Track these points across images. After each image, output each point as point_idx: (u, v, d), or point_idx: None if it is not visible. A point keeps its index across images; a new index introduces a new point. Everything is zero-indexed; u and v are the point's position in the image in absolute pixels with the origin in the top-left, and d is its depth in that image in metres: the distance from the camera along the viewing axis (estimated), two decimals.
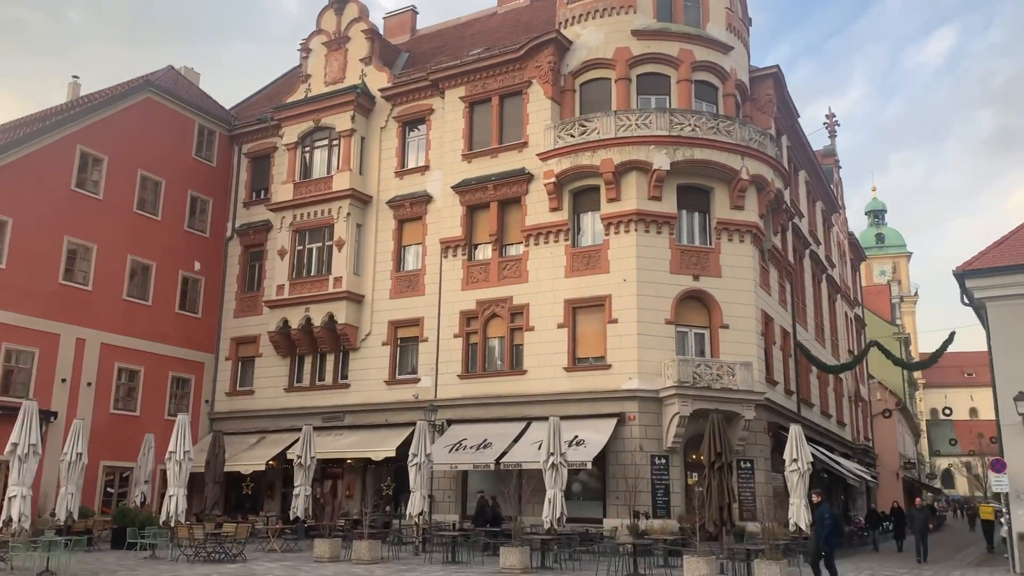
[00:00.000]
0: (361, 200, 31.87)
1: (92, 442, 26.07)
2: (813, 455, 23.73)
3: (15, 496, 19.73)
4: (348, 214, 31.52)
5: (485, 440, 26.09)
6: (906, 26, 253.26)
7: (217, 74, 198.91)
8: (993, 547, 28.60)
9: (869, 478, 41.38)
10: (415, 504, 23.67)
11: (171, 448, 24.17)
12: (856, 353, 44.58)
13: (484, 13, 38.13)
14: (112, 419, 30.22)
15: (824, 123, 50.76)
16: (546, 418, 22.74)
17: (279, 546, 24.66)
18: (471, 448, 26.06)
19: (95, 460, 27.85)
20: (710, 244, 27.29)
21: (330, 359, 31.82)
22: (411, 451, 24.07)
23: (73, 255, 30.01)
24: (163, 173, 33.43)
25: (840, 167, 51.16)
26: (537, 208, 28.22)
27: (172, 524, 23.29)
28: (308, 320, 31.31)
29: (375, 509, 27.60)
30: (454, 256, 29.56)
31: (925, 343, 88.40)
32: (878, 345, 31.24)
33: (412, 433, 25.07)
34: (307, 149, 33.63)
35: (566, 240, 27.65)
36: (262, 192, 35.42)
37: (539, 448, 22.80)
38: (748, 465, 25.67)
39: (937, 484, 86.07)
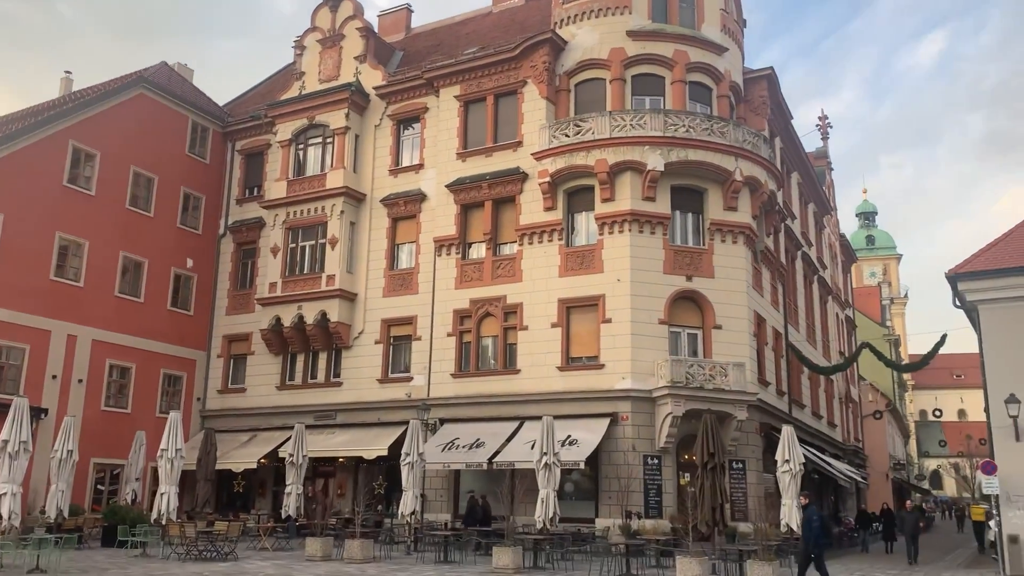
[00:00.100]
0: (355, 198, 31.81)
1: (83, 439, 26.00)
2: (805, 456, 23.81)
3: (5, 494, 19.66)
4: (342, 212, 31.46)
5: (478, 439, 26.08)
6: (898, 29, 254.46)
7: (210, 71, 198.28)
8: (984, 548, 28.75)
9: (860, 479, 41.55)
10: (407, 503, 23.66)
11: (163, 446, 24.06)
12: (847, 354, 44.76)
13: (479, 12, 38.10)
14: (103, 416, 30.10)
15: (817, 125, 50.95)
16: (539, 417, 22.73)
17: (271, 545, 24.60)
18: (464, 447, 26.05)
19: (86, 457, 27.71)
20: (703, 245, 27.35)
21: (322, 357, 31.76)
22: (404, 450, 24.06)
23: (65, 251, 29.86)
24: (156, 169, 33.30)
25: (832, 169, 51.37)
26: (531, 207, 28.22)
27: (163, 522, 23.20)
28: (301, 318, 31.24)
29: (367, 508, 27.55)
30: (448, 255, 29.54)
31: (914, 345, 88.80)
32: (870, 347, 31.36)
33: (404, 432, 25.06)
34: (301, 146, 33.54)
35: (560, 240, 27.67)
36: (255, 189, 35.32)
37: (532, 448, 22.81)
38: (740, 466, 25.74)
39: (926, 485, 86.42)
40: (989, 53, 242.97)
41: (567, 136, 27.39)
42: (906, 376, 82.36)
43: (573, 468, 24.20)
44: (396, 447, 26.13)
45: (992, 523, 27.07)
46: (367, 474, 29.70)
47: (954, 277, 21.41)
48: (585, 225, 27.75)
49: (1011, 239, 22.27)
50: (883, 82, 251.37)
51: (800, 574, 16.35)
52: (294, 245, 32.40)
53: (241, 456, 30.32)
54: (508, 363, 27.70)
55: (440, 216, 29.94)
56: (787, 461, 21.90)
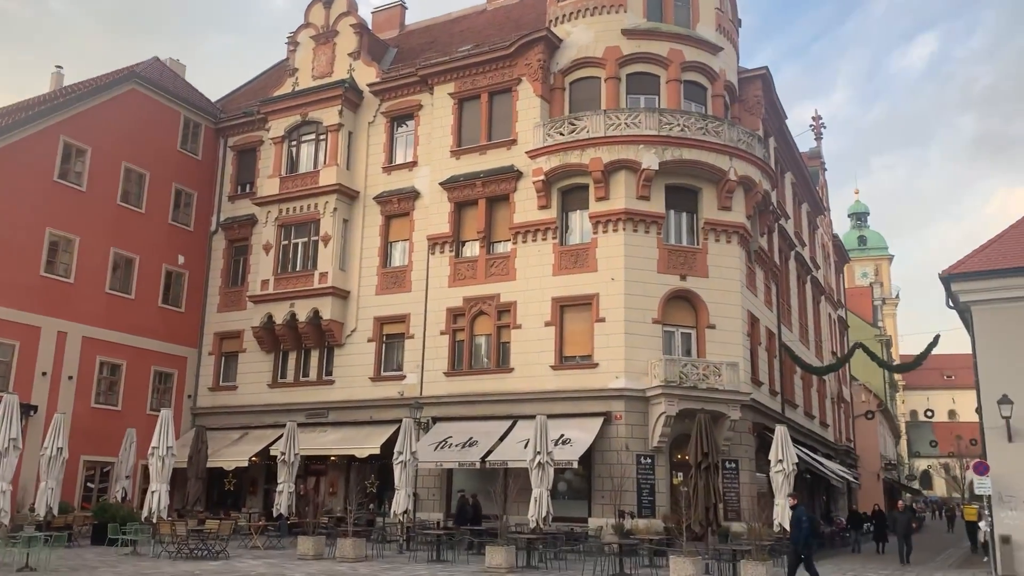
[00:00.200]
0: (348, 195, 31.68)
1: (73, 436, 25.83)
2: (798, 456, 23.83)
3: None
4: (335, 209, 31.33)
5: (471, 438, 26.00)
6: (890, 31, 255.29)
7: (203, 67, 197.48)
8: (976, 548, 28.83)
9: (852, 479, 41.64)
10: (400, 502, 23.58)
11: (154, 443, 23.90)
12: (839, 355, 44.86)
13: (474, 10, 38.01)
14: (93, 413, 29.90)
15: (810, 125, 51.03)
16: (532, 416, 22.70)
17: (262, 543, 24.47)
18: (457, 446, 25.96)
19: (76, 455, 27.48)
20: (697, 244, 27.33)
21: (315, 355, 31.62)
22: (396, 448, 23.97)
23: (55, 247, 29.65)
24: (147, 165, 33.09)
25: (826, 169, 51.44)
26: (525, 206, 28.15)
27: (154, 520, 23.04)
28: (293, 315, 31.10)
29: (359, 507, 27.44)
30: (441, 253, 29.45)
31: (906, 345, 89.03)
32: (863, 347, 31.44)
33: (397, 430, 24.98)
34: (294, 143, 33.39)
35: (554, 238, 27.60)
36: (247, 186, 35.14)
37: (525, 447, 22.75)
38: (733, 465, 25.73)
39: (916, 485, 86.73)
40: (980, 55, 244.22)
41: (561, 134, 27.32)
42: (897, 376, 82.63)
43: (566, 467, 24.14)
44: (388, 446, 26.04)
45: (983, 523, 27.20)
46: (359, 473, 29.57)
47: (948, 278, 21.44)
48: (579, 224, 27.69)
49: (1004, 240, 22.32)
50: (875, 84, 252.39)
51: (790, 575, 16.31)
52: (286, 242, 32.25)
53: (232, 454, 30.16)
54: (501, 362, 27.63)
55: (434, 214, 29.84)
56: (780, 461, 21.92)
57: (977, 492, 21.67)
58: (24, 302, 28.23)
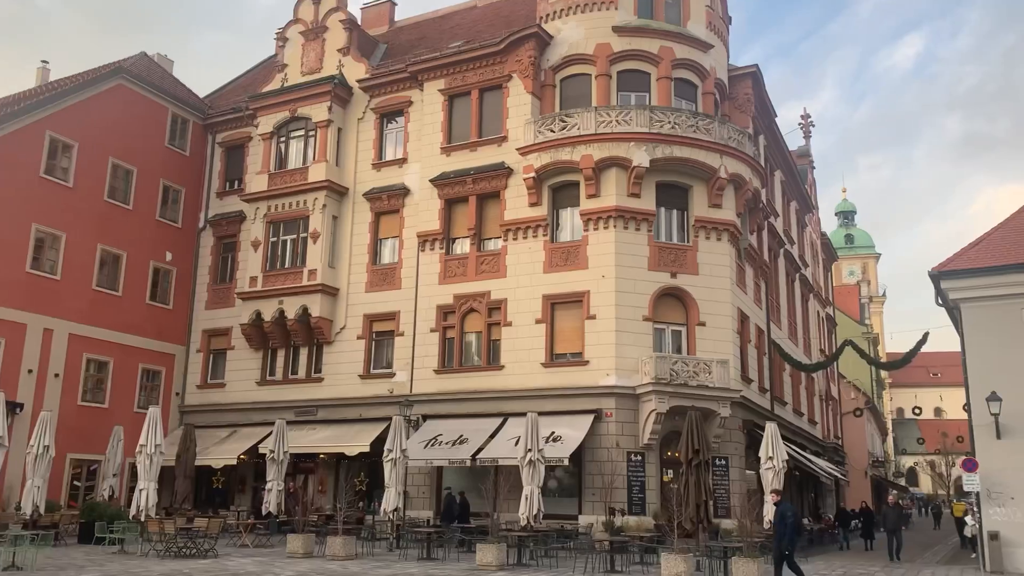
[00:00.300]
0: (337, 192, 31.53)
1: (59, 434, 25.56)
2: (787, 453, 23.88)
3: None
4: (324, 206, 31.18)
5: (461, 436, 25.92)
6: (876, 31, 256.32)
7: (191, 63, 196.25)
8: (965, 543, 29.01)
9: (840, 476, 41.82)
10: (390, 500, 23.50)
11: (142, 441, 23.72)
12: (828, 352, 45.04)
13: (464, 6, 37.88)
14: (80, 411, 29.66)
15: (799, 124, 51.17)
16: (523, 414, 22.66)
17: (251, 541, 24.35)
18: (447, 444, 25.88)
19: (62, 453, 27.18)
20: (688, 242, 27.34)
21: (303, 352, 31.47)
22: (386, 446, 23.90)
23: (41, 243, 29.37)
24: (135, 161, 32.83)
25: (814, 167, 51.61)
26: (516, 203, 28.09)
27: (143, 518, 22.87)
28: (281, 313, 30.92)
29: (348, 505, 27.33)
30: (431, 250, 29.36)
31: (892, 343, 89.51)
32: (852, 344, 31.50)
33: (386, 428, 24.90)
34: (283, 139, 33.20)
35: (545, 235, 27.56)
36: (236, 182, 34.91)
37: (516, 444, 22.72)
38: (723, 463, 25.76)
39: (903, 482, 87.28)
40: (965, 56, 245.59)
41: (552, 131, 27.28)
42: (884, 374, 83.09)
43: (557, 465, 24.12)
44: (378, 443, 25.94)
45: (969, 519, 27.39)
46: (348, 471, 29.45)
47: (937, 275, 21.55)
48: (570, 221, 27.65)
49: (993, 238, 22.45)
50: (861, 83, 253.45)
51: (777, 572, 16.26)
52: (275, 239, 32.08)
53: (221, 452, 29.99)
54: (492, 359, 27.56)
55: (424, 211, 29.74)
56: (771, 458, 21.96)
57: (966, 489, 21.79)
58: (10, 299, 27.95)
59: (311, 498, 29.27)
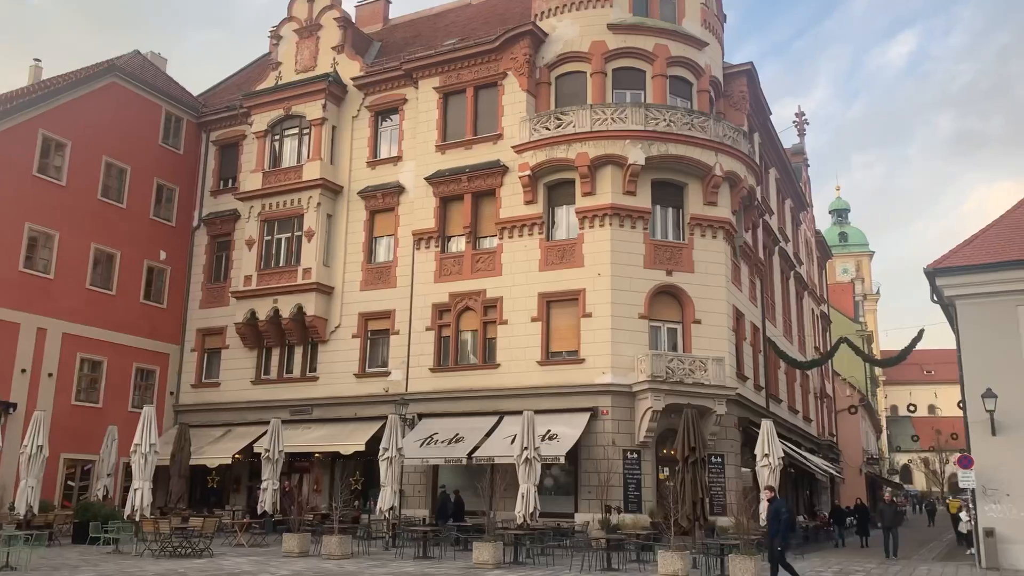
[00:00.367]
0: (332, 190, 31.45)
1: (53, 434, 25.41)
2: (783, 450, 23.89)
3: None
4: (318, 204, 31.09)
5: (457, 434, 25.88)
6: (869, 29, 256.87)
7: (185, 62, 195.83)
8: (961, 540, 29.07)
9: (836, 473, 41.87)
10: (386, 499, 23.46)
11: (136, 440, 23.55)
12: (822, 350, 45.09)
13: (458, 3, 37.76)
14: (74, 411, 29.53)
15: (793, 121, 51.19)
16: (518, 412, 22.64)
17: (246, 541, 24.26)
18: (442, 442, 25.84)
19: (56, 453, 27.09)
20: (683, 240, 27.33)
21: (298, 351, 31.38)
22: (382, 445, 23.85)
23: (34, 242, 29.23)
24: (128, 160, 32.69)
25: (809, 165, 51.68)
26: (511, 201, 28.04)
27: (137, 518, 22.76)
28: (276, 312, 30.84)
29: (344, 504, 27.27)
30: (427, 248, 29.30)
31: (886, 341, 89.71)
32: (847, 342, 31.57)
33: (382, 427, 24.85)
34: (277, 138, 33.11)
35: (540, 233, 27.53)
36: (230, 181, 34.79)
37: (512, 442, 22.69)
38: (719, 460, 25.77)
39: (897, 480, 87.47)
40: (959, 53, 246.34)
41: (548, 129, 27.24)
42: (878, 372, 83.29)
43: (553, 463, 24.09)
44: (373, 442, 25.89)
45: (963, 515, 27.45)
46: (344, 470, 29.40)
47: (932, 272, 21.57)
48: (565, 219, 27.63)
49: (988, 235, 22.48)
50: (855, 81, 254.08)
51: (772, 571, 16.24)
52: (269, 237, 31.99)
53: (215, 451, 29.89)
54: (487, 358, 27.53)
55: (419, 209, 29.68)
56: (767, 455, 22.00)
57: (961, 486, 21.82)
58: (3, 298, 27.81)
59: (306, 497, 29.22)
